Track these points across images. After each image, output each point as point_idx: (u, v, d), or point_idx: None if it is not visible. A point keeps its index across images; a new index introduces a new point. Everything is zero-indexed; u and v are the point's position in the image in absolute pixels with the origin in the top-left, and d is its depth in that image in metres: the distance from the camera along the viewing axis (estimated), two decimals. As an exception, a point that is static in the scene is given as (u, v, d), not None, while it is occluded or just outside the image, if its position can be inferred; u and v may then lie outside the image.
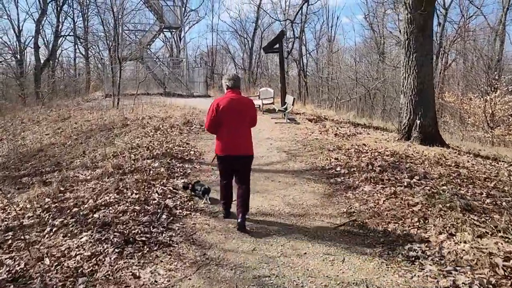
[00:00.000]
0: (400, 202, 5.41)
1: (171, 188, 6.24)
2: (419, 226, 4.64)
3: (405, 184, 6.18)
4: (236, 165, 4.81)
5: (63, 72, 40.87)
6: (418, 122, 9.89)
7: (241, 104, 4.68)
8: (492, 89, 21.42)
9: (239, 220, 4.64)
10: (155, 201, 5.60)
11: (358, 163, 7.46)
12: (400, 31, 32.83)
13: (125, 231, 4.60)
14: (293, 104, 12.61)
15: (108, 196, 5.97)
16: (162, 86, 24.04)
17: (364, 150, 8.57)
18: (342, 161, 7.72)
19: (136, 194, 5.91)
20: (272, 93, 15.27)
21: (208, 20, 74.22)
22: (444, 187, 6.09)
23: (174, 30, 26.37)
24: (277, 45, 14.16)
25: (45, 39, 35.56)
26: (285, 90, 14.29)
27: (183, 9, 31.02)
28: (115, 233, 4.55)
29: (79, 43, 36.21)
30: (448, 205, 5.10)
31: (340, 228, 4.80)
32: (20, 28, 33.06)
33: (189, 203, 5.64)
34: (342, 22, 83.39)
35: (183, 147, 9.22)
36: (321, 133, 10.73)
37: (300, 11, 22.03)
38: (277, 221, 5.04)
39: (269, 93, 15.69)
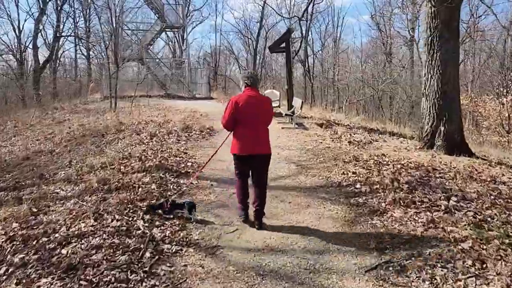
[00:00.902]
0: (443, 235, 4.30)
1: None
2: (477, 273, 3.53)
3: (443, 208, 5.07)
4: (254, 165, 4.68)
5: (66, 74, 40.09)
6: (442, 128, 8.78)
7: (259, 102, 4.58)
8: (508, 91, 20.25)
9: (256, 226, 4.66)
10: (139, 231, 4.52)
11: (380, 179, 6.36)
12: (408, 31, 31.78)
13: (94, 279, 3.52)
14: (301, 108, 11.53)
15: (84, 222, 4.90)
16: (163, 87, 23.00)
17: (385, 162, 7.46)
18: (361, 175, 6.61)
19: (117, 220, 4.84)
20: (278, 95, 14.18)
21: (211, 20, 72.86)
22: (490, 211, 5.00)
23: (176, 30, 25.32)
24: (284, 44, 13.08)
25: (46, 40, 34.73)
26: (292, 93, 13.20)
27: (186, 8, 29.99)
28: (80, 282, 3.49)
29: (80, 44, 35.37)
30: (507, 241, 3.99)
31: (371, 273, 3.70)
32: (21, 28, 32.22)
33: (181, 234, 4.55)
34: (347, 22, 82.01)
35: (180, 157, 8.15)
36: (333, 140, 9.63)
37: (306, 11, 20.98)
38: (290, 261, 3.94)
39: (275, 96, 14.61)
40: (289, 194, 6.00)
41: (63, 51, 38.11)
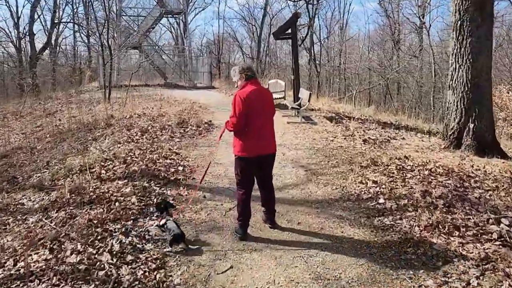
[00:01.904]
0: (509, 285, 3.15)
1: (137, 239, 4.05)
2: None
3: (495, 236, 3.92)
4: (262, 167, 4.18)
5: (67, 62, 38.82)
6: (472, 126, 7.57)
7: (265, 96, 4.12)
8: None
9: (270, 226, 4.37)
10: (102, 272, 3.40)
11: (408, 191, 5.21)
12: (418, 17, 30.20)
13: None
14: (309, 100, 10.30)
15: (38, 254, 3.81)
16: (163, 76, 21.77)
17: (409, 167, 6.29)
18: (383, 185, 5.46)
19: (78, 253, 3.73)
20: (283, 86, 12.92)
21: (214, 6, 70.55)
22: (555, 241, 3.84)
23: (176, 16, 23.96)
24: (290, 30, 11.81)
25: (45, 27, 33.40)
26: (298, 83, 11.97)
27: (187, -7, 28.49)
28: None
29: (80, 31, 34.02)
30: None
31: None
32: (19, 14, 30.89)
33: (157, 276, 3.41)
34: (354, 9, 79.21)
35: (170, 158, 7.01)
36: (345, 138, 8.44)
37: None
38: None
39: (280, 86, 13.37)
40: (298, 210, 4.86)
41: (63, 39, 36.91)
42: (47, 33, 31.59)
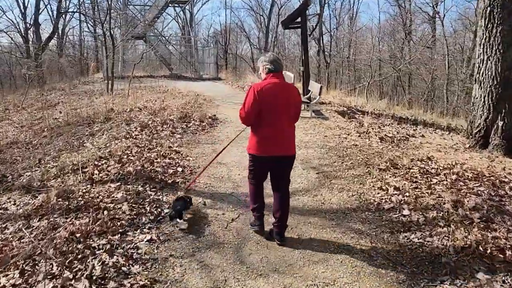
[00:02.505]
0: None
1: (123, 259, 3.45)
2: None
3: (549, 262, 3.25)
4: (276, 168, 3.77)
5: (75, 52, 38.29)
6: (501, 124, 6.85)
7: (286, 92, 3.63)
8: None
9: (277, 241, 3.76)
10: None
11: (436, 200, 4.55)
12: (432, 6, 29.08)
13: None
14: (320, 94, 9.59)
15: (6, 276, 3.24)
16: (169, 67, 21.12)
17: (433, 170, 5.61)
18: (407, 193, 4.80)
19: (54, 276, 3.15)
20: (292, 78, 12.20)
21: (222, -4, 69.43)
22: None
23: (182, 5, 23.20)
24: (300, 19, 11.06)
25: (52, 17, 32.87)
26: (308, 75, 11.25)
27: (194, -18, 27.64)
28: None
29: (87, 21, 33.41)
30: None
31: None
32: (26, 4, 30.37)
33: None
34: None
35: (170, 158, 6.40)
36: (360, 135, 7.75)
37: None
38: None
39: (288, 78, 12.64)
40: (310, 223, 4.23)
41: (69, 29, 36.41)
42: (53, 23, 31.16)
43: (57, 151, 7.68)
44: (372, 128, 8.33)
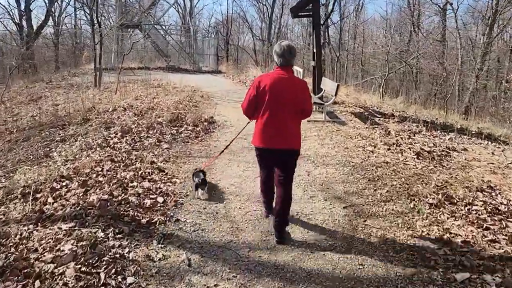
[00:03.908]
0: None
1: None
2: None
3: None
4: (277, 161, 3.61)
5: (73, 41, 36.46)
6: None
7: (291, 87, 3.43)
8: None
9: (276, 239, 3.54)
10: None
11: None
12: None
13: None
14: (336, 94, 7.99)
15: None
16: (166, 59, 19.47)
17: (503, 207, 4.08)
18: (482, 249, 3.28)
19: None
20: (301, 73, 10.57)
21: (223, -15, 66.78)
22: None
23: (180, -7, 21.43)
24: (311, 5, 9.44)
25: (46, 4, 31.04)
26: (321, 71, 9.65)
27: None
28: None
29: (82, 8, 31.56)
30: None
31: None
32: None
33: None
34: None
35: (150, 179, 4.87)
36: (389, 148, 6.19)
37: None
38: None
39: (297, 74, 11.02)
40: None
41: (65, 16, 34.57)
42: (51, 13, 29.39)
43: (16, 162, 6.15)
44: (402, 138, 6.78)
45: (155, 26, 19.90)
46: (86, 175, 5.00)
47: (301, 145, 5.47)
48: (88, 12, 29.19)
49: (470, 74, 22.24)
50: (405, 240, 3.55)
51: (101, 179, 4.82)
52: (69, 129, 7.65)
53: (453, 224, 3.72)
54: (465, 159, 5.90)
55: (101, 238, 3.45)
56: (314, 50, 9.68)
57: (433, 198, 4.23)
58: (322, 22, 10.33)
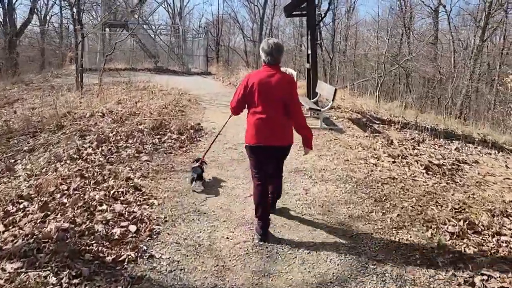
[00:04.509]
0: None
1: None
2: None
3: None
4: (269, 158, 3.58)
5: (60, 40, 35.34)
6: None
7: (278, 82, 3.35)
8: None
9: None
10: None
11: None
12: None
13: None
14: (333, 100, 7.33)
15: None
16: (153, 60, 18.69)
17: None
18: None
19: None
20: (295, 76, 9.89)
21: (213, -17, 65.26)
22: None
23: (169, -8, 20.64)
24: (306, 4, 8.80)
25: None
26: (316, 74, 8.99)
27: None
28: None
29: (70, 7, 30.51)
30: None
31: None
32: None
33: None
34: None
35: (123, 201, 4.16)
36: (394, 161, 5.56)
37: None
38: None
39: (289, 76, 10.38)
40: None
41: (52, 15, 33.50)
42: (37, 11, 28.39)
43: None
44: (406, 148, 6.17)
45: (143, 25, 19.10)
46: (49, 194, 4.27)
47: (298, 157, 4.78)
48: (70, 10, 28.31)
49: (463, 77, 21.85)
50: (427, 284, 2.91)
51: (65, 200, 4.10)
52: (40, 137, 6.88)
53: (482, 260, 3.09)
54: (478, 173, 5.30)
55: (54, 284, 2.74)
56: (309, 52, 9.04)
57: (453, 225, 3.60)
58: (316, 22, 9.66)
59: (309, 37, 9.10)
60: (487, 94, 19.94)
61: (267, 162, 3.57)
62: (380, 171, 5.18)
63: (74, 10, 11.88)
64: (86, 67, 17.51)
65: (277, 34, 36.35)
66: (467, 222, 3.62)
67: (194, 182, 4.50)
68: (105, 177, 4.75)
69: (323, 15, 14.25)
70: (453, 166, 5.38)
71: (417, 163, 5.35)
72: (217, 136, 5.50)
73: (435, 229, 3.59)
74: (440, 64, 22.16)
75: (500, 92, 18.86)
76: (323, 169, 5.28)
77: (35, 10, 29.09)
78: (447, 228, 3.56)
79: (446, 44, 25.63)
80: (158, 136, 6.57)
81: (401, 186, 4.67)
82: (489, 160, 6.12)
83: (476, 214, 3.81)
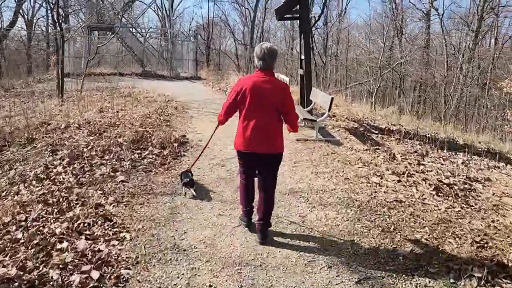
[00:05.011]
0: None
1: None
2: None
3: None
4: (259, 165, 3.52)
5: (48, 44, 34.40)
6: None
7: (271, 88, 3.29)
8: None
9: (259, 240, 3.49)
10: None
11: None
12: (431, 3, 26.47)
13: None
14: (329, 109, 6.75)
15: None
16: (141, 64, 18.00)
17: None
18: None
19: None
20: (287, 83, 9.34)
21: (204, -13, 63.94)
22: None
23: (156, -7, 19.96)
24: (299, 6, 8.23)
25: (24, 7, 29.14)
26: (310, 81, 8.40)
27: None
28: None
29: (49, 9, 29.64)
30: None
31: None
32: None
33: None
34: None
35: (89, 235, 3.51)
36: (399, 179, 4.98)
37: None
38: None
39: (282, 82, 9.78)
40: None
41: (38, 19, 32.55)
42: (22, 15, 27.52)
43: None
44: (410, 163, 5.60)
45: (130, 29, 18.40)
46: (3, 227, 3.61)
47: (292, 174, 4.54)
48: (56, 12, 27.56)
49: (458, 81, 21.49)
50: None
51: (20, 235, 3.44)
52: (7, 152, 6.19)
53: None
54: (494, 194, 4.75)
55: None
56: (302, 57, 8.46)
57: (479, 266, 3.02)
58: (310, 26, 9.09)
59: (302, 41, 8.54)
60: (482, 99, 19.57)
61: (256, 167, 3.55)
62: (384, 192, 4.60)
63: (55, 12, 11.12)
64: (71, 71, 16.81)
65: (268, 38, 35.81)
66: (495, 262, 3.04)
67: (185, 188, 4.42)
68: (72, 204, 4.10)
69: (316, 19, 13.63)
70: (465, 186, 4.82)
71: (425, 183, 4.78)
72: (204, 149, 4.89)
73: (457, 272, 3.01)
74: (435, 68, 21.75)
75: (494, 97, 18.50)
76: (321, 190, 4.68)
77: (21, 13, 28.32)
78: (472, 270, 2.98)
79: (438, 47, 25.30)
80: (138, 151, 5.92)
81: (410, 211, 4.09)
82: (501, 176, 5.58)
83: (503, 250, 3.24)
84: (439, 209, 4.15)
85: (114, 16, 16.10)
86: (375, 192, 4.61)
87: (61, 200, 4.18)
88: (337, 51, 31.15)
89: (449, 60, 22.60)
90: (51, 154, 5.78)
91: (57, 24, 11.14)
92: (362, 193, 4.60)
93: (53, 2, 11.16)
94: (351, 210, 4.15)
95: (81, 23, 15.02)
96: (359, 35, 32.96)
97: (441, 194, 4.52)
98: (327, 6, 25.37)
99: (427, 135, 8.35)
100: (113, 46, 18.63)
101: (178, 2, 35.19)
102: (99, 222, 3.74)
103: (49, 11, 29.83)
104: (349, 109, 10.59)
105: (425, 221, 3.90)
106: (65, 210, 3.95)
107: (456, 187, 4.70)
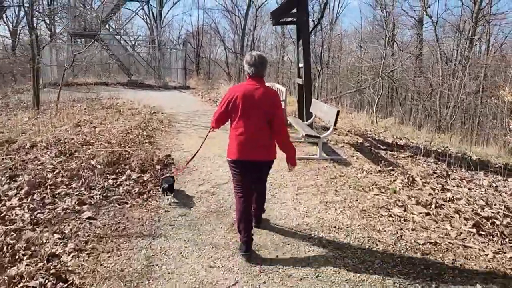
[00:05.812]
0: None
1: None
2: None
3: None
4: (252, 172, 3.40)
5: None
6: None
7: (262, 96, 3.22)
8: None
9: (254, 224, 3.64)
10: None
11: None
12: (425, 9, 25.97)
13: None
14: (335, 124, 5.87)
15: None
16: (127, 73, 17.01)
17: None
18: None
19: None
20: (284, 93, 8.42)
21: (194, -6, 62.93)
22: None
23: (143, 1, 19.04)
24: (296, 10, 7.41)
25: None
26: (310, 91, 7.54)
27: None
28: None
29: (42, 18, 28.54)
30: None
31: None
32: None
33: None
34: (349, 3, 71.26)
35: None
36: (427, 212, 4.10)
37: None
38: None
39: (279, 93, 8.91)
40: None
41: (22, 27, 31.43)
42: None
43: None
44: (433, 189, 4.74)
45: (114, 36, 17.44)
46: None
47: (297, 205, 4.09)
48: (48, 23, 26.47)
49: (455, 90, 20.89)
50: None
51: None
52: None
53: None
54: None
55: None
56: (301, 65, 7.62)
57: None
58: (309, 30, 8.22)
59: (300, 48, 7.70)
60: (482, 108, 18.99)
61: (249, 176, 3.40)
62: (412, 229, 3.72)
63: (29, 17, 10.14)
64: (52, 81, 15.78)
65: (258, 46, 35.09)
66: None
67: (165, 195, 4.30)
68: (18, 255, 3.14)
69: (316, 23, 12.84)
70: (508, 221, 3.96)
71: (459, 216, 3.92)
72: (192, 159, 4.02)
73: None
74: (431, 75, 21.14)
75: (493, 106, 17.91)
76: (334, 226, 3.79)
77: (4, 21, 27.21)
78: None
79: (429, 54, 24.80)
80: (114, 176, 4.97)
81: (451, 260, 3.21)
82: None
83: None
84: (486, 255, 3.29)
85: (98, 23, 15.13)
86: (401, 229, 3.73)
87: (4, 249, 3.22)
88: (329, 58, 30.56)
89: (444, 68, 22.04)
90: (8, 180, 4.80)
91: (32, 30, 10.10)
92: (385, 230, 3.71)
93: (28, 6, 10.16)
94: (376, 258, 3.26)
95: (62, 30, 14.00)
96: (349, 44, 32.52)
97: (483, 233, 3.65)
98: (327, 7, 24.62)
99: (438, 150, 7.56)
100: (99, 54, 17.60)
101: (167, 9, 34.38)
102: (49, 284, 2.79)
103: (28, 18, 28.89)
104: (350, 122, 9.76)
105: (473, 272, 3.02)
106: (6, 266, 2.99)
107: (498, 222, 3.84)
